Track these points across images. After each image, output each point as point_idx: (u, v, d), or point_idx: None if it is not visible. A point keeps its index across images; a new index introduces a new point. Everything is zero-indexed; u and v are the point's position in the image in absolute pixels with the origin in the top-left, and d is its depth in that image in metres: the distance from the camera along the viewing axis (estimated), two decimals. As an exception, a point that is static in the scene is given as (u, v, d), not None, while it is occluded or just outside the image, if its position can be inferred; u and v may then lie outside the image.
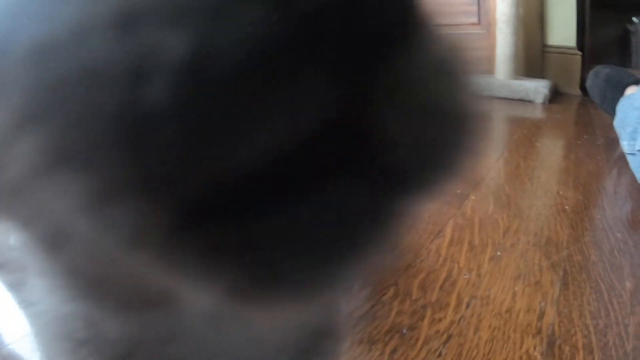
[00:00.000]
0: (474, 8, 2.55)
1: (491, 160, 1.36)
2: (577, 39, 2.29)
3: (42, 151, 0.11)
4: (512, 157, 1.37)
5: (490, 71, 2.42)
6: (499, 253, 0.85)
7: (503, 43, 2.15)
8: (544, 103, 2.03)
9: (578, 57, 2.28)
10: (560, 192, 1.07)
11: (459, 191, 1.15)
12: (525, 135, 1.56)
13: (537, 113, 1.93)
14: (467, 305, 0.73)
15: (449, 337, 0.67)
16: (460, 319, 0.70)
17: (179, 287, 0.14)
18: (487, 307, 0.71)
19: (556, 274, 0.77)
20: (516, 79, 2.17)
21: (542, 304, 0.70)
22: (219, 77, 0.11)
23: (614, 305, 0.70)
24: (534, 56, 2.34)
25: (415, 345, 0.67)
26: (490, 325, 0.68)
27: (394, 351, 0.66)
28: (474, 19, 2.57)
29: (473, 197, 1.11)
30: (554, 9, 2.31)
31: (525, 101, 2.07)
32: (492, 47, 2.35)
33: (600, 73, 1.54)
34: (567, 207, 0.99)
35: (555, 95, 2.10)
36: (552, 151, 1.40)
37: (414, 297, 0.77)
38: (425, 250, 0.90)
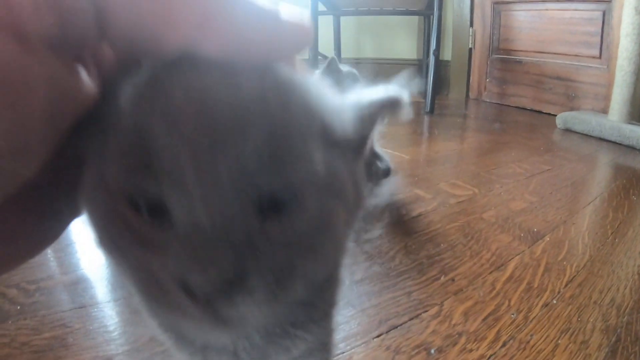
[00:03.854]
0: (596, 39, 2.40)
1: (580, 204, 1.29)
2: None
3: None
4: (602, 206, 1.29)
5: (604, 111, 2.27)
6: (554, 301, 0.82)
7: (621, 82, 2.01)
8: (654, 154, 1.88)
9: None
10: (644, 256, 1.00)
11: (535, 229, 1.11)
12: (624, 186, 1.46)
13: (644, 164, 1.80)
14: (504, 344, 0.71)
15: (474, 369, 0.67)
16: (491, 356, 0.69)
17: None
18: (523, 352, 0.70)
19: (608, 338, 0.73)
20: (630, 123, 2.03)
21: (581, 364, 0.67)
22: None
23: (660, 387, 0.66)
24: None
25: (439, 367, 0.67)
26: (519, 370, 0.66)
27: (416, 367, 0.67)
28: (595, 52, 2.42)
29: (548, 239, 1.07)
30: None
31: (635, 149, 1.93)
32: (609, 85, 2.20)
33: None
34: (645, 273, 0.93)
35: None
36: (649, 210, 1.30)
37: (453, 322, 0.77)
38: (481, 280, 0.89)
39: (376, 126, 0.26)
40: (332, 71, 1.24)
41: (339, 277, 0.30)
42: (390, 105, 0.25)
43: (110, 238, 0.21)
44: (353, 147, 0.25)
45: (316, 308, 0.29)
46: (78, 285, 0.83)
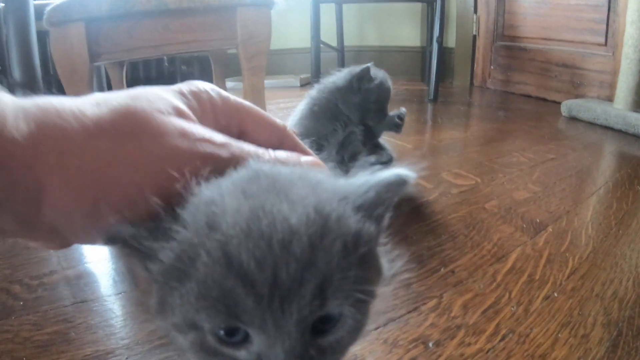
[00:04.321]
0: (602, 27, 2.36)
1: (584, 195, 1.28)
2: None
3: None
4: (606, 196, 1.27)
5: (609, 98, 2.24)
6: (556, 294, 0.81)
7: (627, 70, 1.98)
8: (659, 144, 1.85)
9: None
10: (648, 247, 0.99)
11: (538, 220, 1.10)
12: (629, 175, 1.44)
13: (650, 153, 1.77)
14: (502, 338, 0.70)
15: (472, 364, 0.66)
16: (489, 350, 0.68)
17: None
18: (522, 346, 0.69)
19: (609, 332, 0.72)
20: (636, 111, 2.00)
21: None
22: None
23: (661, 383, 0.65)
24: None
25: (436, 361, 0.66)
26: (517, 365, 0.65)
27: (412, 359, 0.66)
28: (601, 39, 2.38)
29: (550, 230, 1.05)
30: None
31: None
32: (615, 72, 2.17)
33: None
34: (648, 265, 0.92)
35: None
36: (654, 200, 1.28)
37: (452, 314, 0.76)
38: (482, 271, 0.88)
39: (390, 208, 0.32)
40: (364, 81, 1.22)
41: None
42: (399, 187, 0.31)
43: (203, 357, 0.28)
44: (376, 235, 0.31)
45: None
46: (80, 280, 0.83)
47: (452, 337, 0.71)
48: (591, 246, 0.98)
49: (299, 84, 2.95)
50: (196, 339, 0.28)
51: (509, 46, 2.96)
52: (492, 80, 3.13)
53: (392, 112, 1.29)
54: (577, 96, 2.48)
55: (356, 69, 1.22)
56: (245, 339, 0.27)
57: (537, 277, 0.86)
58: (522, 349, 0.68)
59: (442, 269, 0.89)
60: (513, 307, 0.78)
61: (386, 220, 0.33)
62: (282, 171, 0.31)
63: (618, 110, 2.03)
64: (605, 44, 2.39)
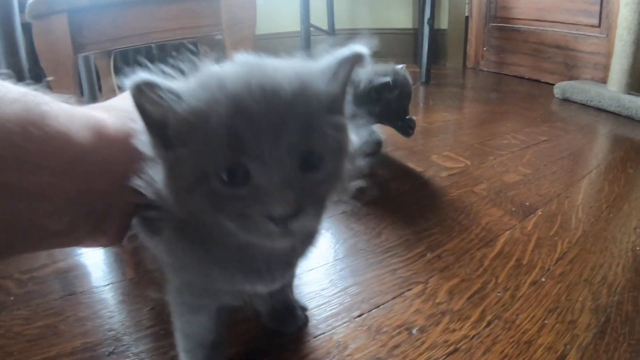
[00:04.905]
0: (596, 8, 2.33)
1: (575, 177, 1.26)
2: None
3: None
4: (598, 179, 1.25)
5: (603, 80, 2.22)
6: (543, 279, 0.79)
7: (621, 52, 1.95)
8: (653, 126, 1.83)
9: None
10: (637, 230, 0.97)
11: (528, 203, 1.08)
12: (621, 158, 1.42)
13: (643, 136, 1.75)
14: (488, 324, 0.69)
15: (455, 350, 0.64)
16: (474, 336, 0.66)
17: None
18: (508, 332, 0.67)
19: (597, 318, 0.70)
20: (629, 93, 1.98)
21: (568, 346, 0.64)
22: None
23: (648, 370, 0.63)
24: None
25: (419, 348, 0.64)
26: (502, 352, 0.64)
27: (396, 347, 0.65)
28: (594, 21, 2.35)
29: (540, 213, 1.04)
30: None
31: (634, 120, 1.88)
32: (609, 54, 2.14)
33: None
34: (638, 248, 0.90)
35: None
36: (645, 182, 1.26)
37: (437, 300, 0.74)
38: (469, 256, 0.86)
39: (350, 78, 0.40)
40: (384, 92, 1.17)
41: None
42: (356, 60, 0.39)
43: (213, 204, 0.36)
44: (340, 101, 0.40)
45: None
46: (71, 272, 0.82)
47: (437, 324, 0.69)
48: (581, 230, 0.97)
49: (290, 67, 2.91)
50: (204, 190, 0.36)
51: (502, 27, 2.92)
52: (485, 62, 3.09)
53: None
54: (570, 78, 2.45)
55: (377, 78, 1.16)
56: (246, 178, 0.35)
57: (525, 262, 0.85)
58: (507, 335, 0.67)
59: (428, 254, 0.87)
60: (499, 292, 0.76)
61: (348, 89, 0.41)
62: (265, 58, 0.39)
63: (612, 92, 2.01)
64: (599, 26, 2.36)
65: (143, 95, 0.35)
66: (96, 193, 0.42)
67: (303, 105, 0.35)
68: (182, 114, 0.35)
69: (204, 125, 0.34)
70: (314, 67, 0.39)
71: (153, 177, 0.39)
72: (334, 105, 0.39)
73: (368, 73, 1.16)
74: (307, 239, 0.49)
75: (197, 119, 0.35)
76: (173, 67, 0.38)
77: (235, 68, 0.37)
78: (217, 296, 0.51)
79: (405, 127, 1.25)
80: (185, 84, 0.37)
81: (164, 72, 0.38)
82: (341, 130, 0.40)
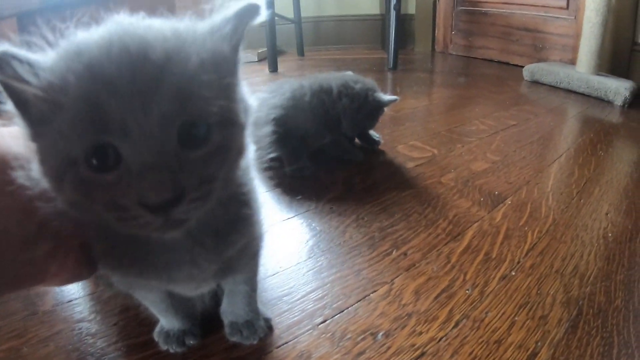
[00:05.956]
0: (564, -10, 2.32)
1: (545, 162, 1.23)
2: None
3: None
4: (568, 163, 1.23)
5: (572, 62, 2.21)
6: (513, 273, 0.76)
7: (589, 34, 1.94)
8: (622, 106, 1.83)
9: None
10: (609, 215, 0.95)
11: (497, 192, 1.05)
12: (591, 140, 1.40)
13: (612, 116, 1.74)
14: (456, 324, 0.65)
15: (422, 354, 0.61)
16: (441, 338, 0.63)
17: None
18: (476, 332, 0.64)
19: (568, 312, 0.67)
20: (598, 74, 1.98)
21: (539, 343, 0.61)
22: None
23: (622, 364, 0.60)
24: (621, 53, 2.09)
25: (384, 353, 0.61)
26: (471, 353, 0.60)
27: (360, 353, 0.61)
28: (562, 3, 2.34)
29: (509, 202, 1.01)
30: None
31: (603, 101, 1.88)
32: (577, 36, 2.13)
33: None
34: (610, 235, 0.87)
35: (638, 100, 1.87)
36: (615, 164, 1.23)
37: (403, 302, 0.71)
38: (436, 252, 0.83)
39: (244, 33, 0.35)
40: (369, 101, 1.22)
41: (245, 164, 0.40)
42: (250, 13, 0.34)
43: (84, 194, 0.31)
44: (230, 62, 0.35)
45: (242, 202, 0.42)
46: (31, 290, 0.76)
47: (403, 327, 0.66)
48: (551, 218, 0.94)
49: (257, 59, 2.84)
50: (74, 178, 0.31)
51: (470, 11, 2.90)
52: (454, 46, 3.07)
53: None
54: (539, 60, 2.44)
55: (367, 91, 1.21)
56: (118, 161, 0.30)
57: (494, 256, 0.81)
58: (476, 336, 0.63)
59: (393, 252, 0.83)
60: (468, 289, 0.73)
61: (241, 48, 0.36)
62: (142, 19, 0.34)
63: (580, 73, 2.00)
64: (567, 7, 2.34)
65: (2, 69, 0.30)
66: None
67: (179, 68, 0.30)
68: (39, 89, 0.30)
69: (63, 101, 0.29)
70: (199, 25, 0.34)
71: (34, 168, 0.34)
72: (221, 67, 0.34)
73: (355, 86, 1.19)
74: (225, 229, 0.43)
75: (55, 94, 0.29)
76: (41, 37, 0.32)
77: (100, 31, 0.32)
78: (145, 288, 0.48)
79: (372, 140, 1.33)
80: (47, 55, 0.32)
81: (31, 44, 0.32)
82: (230, 95, 0.34)
